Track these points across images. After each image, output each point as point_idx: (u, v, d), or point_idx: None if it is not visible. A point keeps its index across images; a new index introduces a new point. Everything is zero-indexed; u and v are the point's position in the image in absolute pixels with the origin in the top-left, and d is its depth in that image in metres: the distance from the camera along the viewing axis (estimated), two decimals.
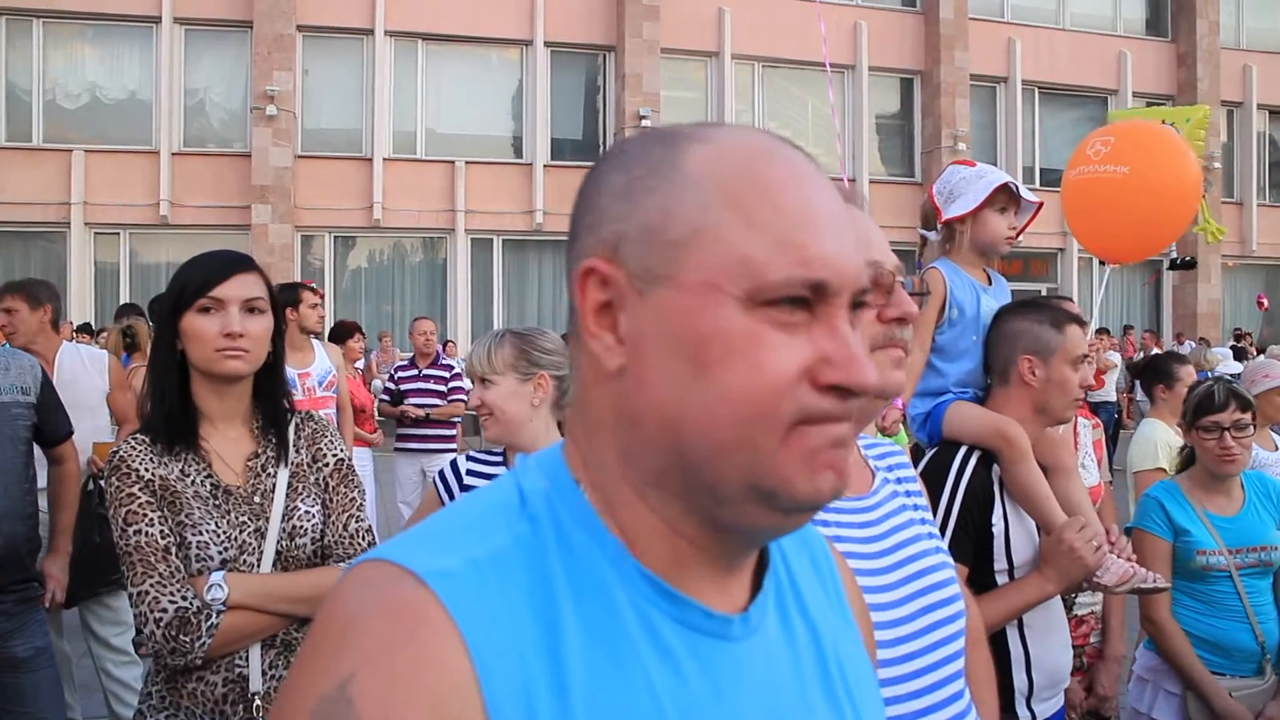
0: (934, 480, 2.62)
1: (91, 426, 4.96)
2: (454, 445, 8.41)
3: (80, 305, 17.66)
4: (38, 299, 5.02)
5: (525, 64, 20.61)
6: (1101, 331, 17.31)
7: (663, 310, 0.83)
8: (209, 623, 2.13)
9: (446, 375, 8.39)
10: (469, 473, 3.03)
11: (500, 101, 20.81)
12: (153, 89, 18.77)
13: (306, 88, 19.50)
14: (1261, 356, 6.88)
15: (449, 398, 8.29)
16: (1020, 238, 3.19)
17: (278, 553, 2.29)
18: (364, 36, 19.60)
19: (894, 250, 1.59)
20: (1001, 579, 2.61)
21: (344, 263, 20.10)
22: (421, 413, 8.19)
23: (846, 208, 0.88)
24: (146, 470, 2.22)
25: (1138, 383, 6.37)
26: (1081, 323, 2.77)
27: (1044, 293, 19.85)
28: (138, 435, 2.29)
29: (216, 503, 2.27)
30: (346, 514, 2.42)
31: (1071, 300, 2.97)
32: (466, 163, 19.96)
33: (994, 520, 2.61)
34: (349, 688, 0.74)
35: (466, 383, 13.71)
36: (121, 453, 2.24)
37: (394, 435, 8.46)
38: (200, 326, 2.30)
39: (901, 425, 3.07)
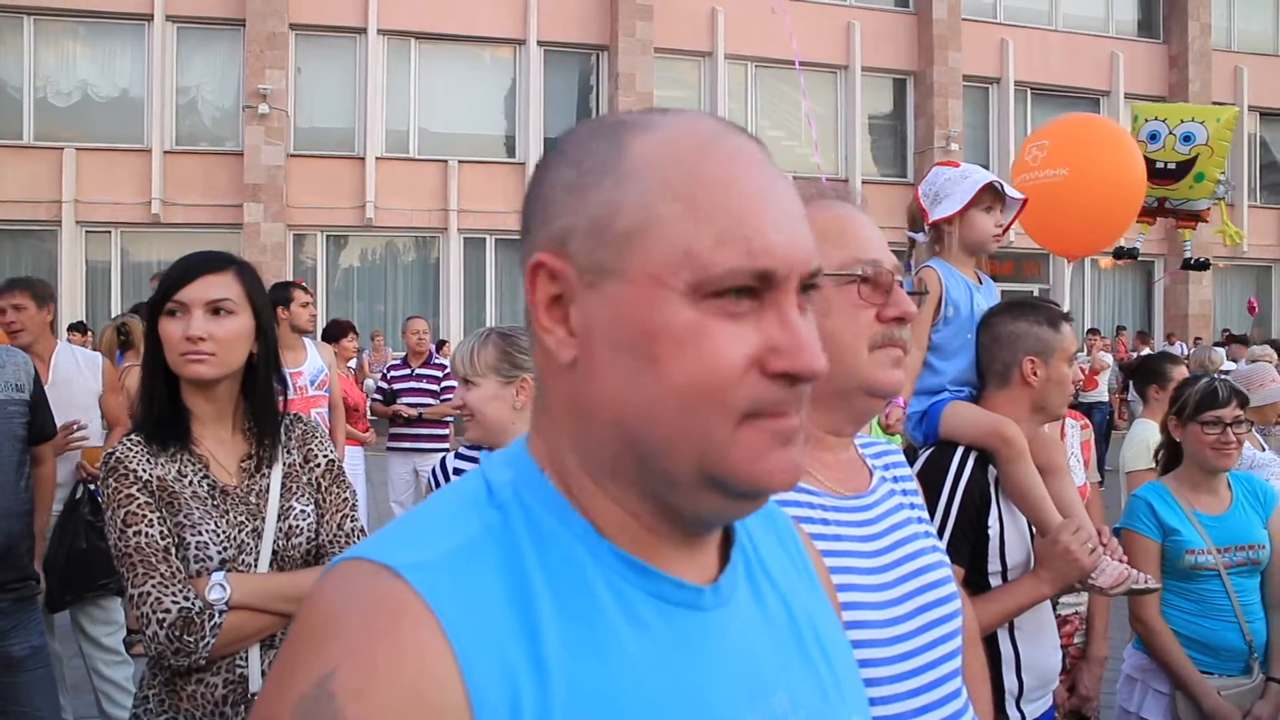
0: (931, 480, 2.63)
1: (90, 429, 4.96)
2: (447, 445, 8.41)
3: (71, 304, 17.60)
4: (43, 298, 5.03)
5: (518, 63, 20.60)
6: (1093, 332, 17.38)
7: (611, 304, 0.84)
8: (212, 623, 2.12)
9: (439, 375, 8.38)
10: (455, 471, 3.03)
11: (493, 101, 20.79)
12: (144, 87, 18.71)
13: (299, 86, 19.47)
14: (1242, 361, 6.90)
15: (441, 397, 8.28)
16: (1009, 236, 3.21)
17: (274, 552, 2.29)
18: (357, 35, 19.56)
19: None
20: (995, 580, 2.62)
21: (336, 262, 20.07)
22: (414, 412, 8.18)
23: (793, 193, 0.89)
24: (144, 471, 2.21)
25: (1130, 383, 6.39)
26: (1070, 320, 2.81)
27: (1035, 293, 19.92)
28: (133, 436, 2.28)
29: (215, 503, 2.26)
30: (340, 514, 2.42)
31: (1057, 303, 2.99)
32: (459, 162, 19.93)
33: (990, 522, 2.62)
34: (330, 682, 0.75)
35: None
36: (118, 454, 2.23)
37: (387, 434, 8.45)
38: (167, 330, 2.28)
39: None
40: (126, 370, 5.99)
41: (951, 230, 3.13)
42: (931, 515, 2.55)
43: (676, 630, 0.86)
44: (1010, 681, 2.60)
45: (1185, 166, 7.34)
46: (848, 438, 1.64)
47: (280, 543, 2.30)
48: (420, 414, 8.19)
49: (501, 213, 19.85)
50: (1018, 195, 3.16)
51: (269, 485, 2.35)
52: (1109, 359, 16.18)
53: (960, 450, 2.70)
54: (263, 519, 2.30)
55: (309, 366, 6.51)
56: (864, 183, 21.50)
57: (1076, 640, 3.71)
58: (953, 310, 3.00)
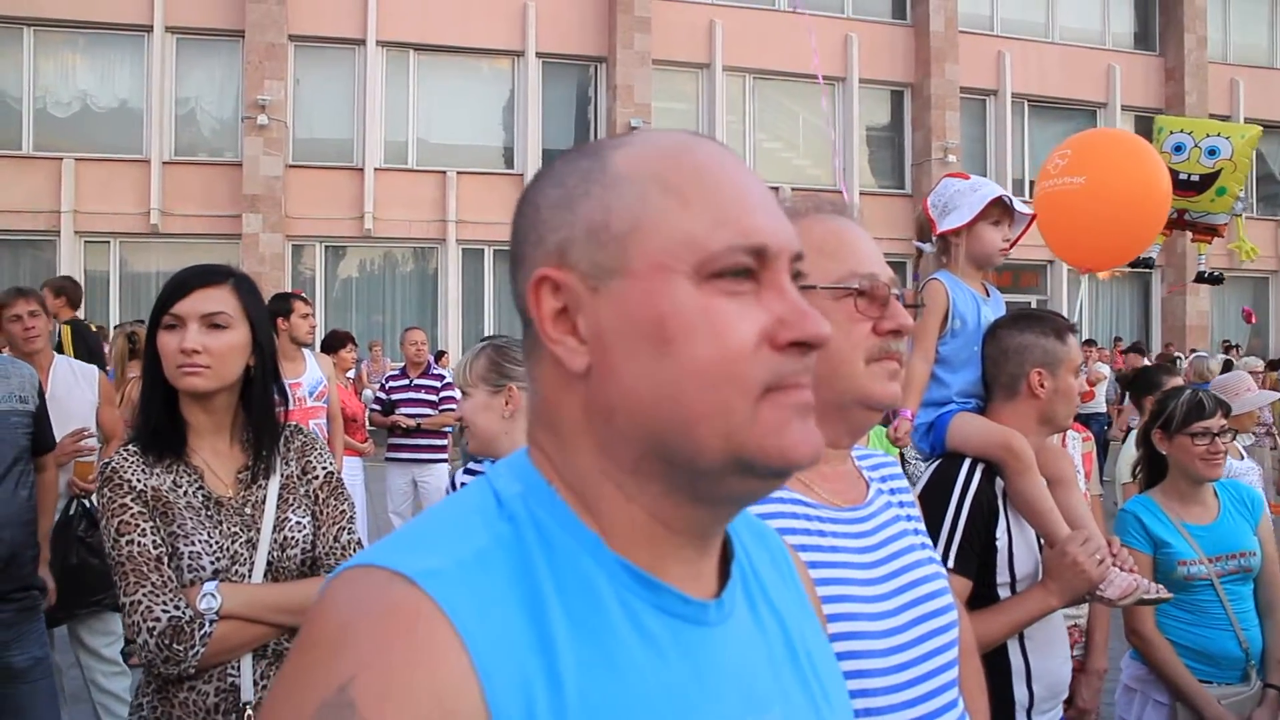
0: (939, 492, 2.64)
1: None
2: (445, 455, 8.41)
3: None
4: (47, 310, 5.06)
5: (517, 75, 20.65)
6: (1089, 343, 17.38)
7: (619, 301, 0.87)
8: (202, 632, 2.14)
9: (438, 385, 8.39)
10: (464, 485, 3.05)
11: (492, 112, 20.83)
12: (143, 97, 18.74)
13: (298, 97, 19.50)
14: (1229, 372, 6.92)
15: (440, 407, 8.28)
16: (1012, 249, 3.22)
17: (269, 563, 2.30)
18: (355, 46, 19.61)
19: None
20: (1004, 592, 2.62)
21: (335, 272, 20.08)
22: (413, 423, 8.19)
23: (766, 188, 0.94)
24: (138, 481, 2.23)
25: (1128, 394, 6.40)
26: (1075, 331, 2.82)
27: (1033, 304, 19.93)
28: (129, 447, 2.30)
29: (209, 513, 2.27)
30: (337, 526, 2.43)
31: (1060, 313, 3.00)
32: (458, 173, 19.96)
33: (998, 533, 2.62)
34: (349, 690, 0.74)
35: (458, 393, 13.73)
36: (114, 464, 2.25)
37: (385, 445, 8.45)
38: (163, 343, 2.30)
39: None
40: (130, 382, 6.00)
41: (959, 242, 3.14)
42: (939, 527, 2.56)
43: (681, 644, 0.87)
44: (1020, 693, 2.60)
45: (1208, 180, 7.34)
46: (844, 450, 1.64)
47: (275, 554, 2.31)
48: (419, 424, 8.19)
49: (500, 224, 19.82)
50: (1026, 210, 3.17)
51: (265, 497, 2.36)
52: (1106, 370, 16.18)
53: (968, 462, 2.70)
54: (258, 530, 2.31)
55: (308, 378, 6.51)
56: (862, 194, 21.54)
57: (1075, 652, 3.70)
58: (960, 323, 3.01)
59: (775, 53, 21.40)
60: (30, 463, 3.91)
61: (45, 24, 18.36)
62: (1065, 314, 3.11)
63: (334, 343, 8.52)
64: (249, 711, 2.20)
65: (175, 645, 2.10)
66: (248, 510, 2.32)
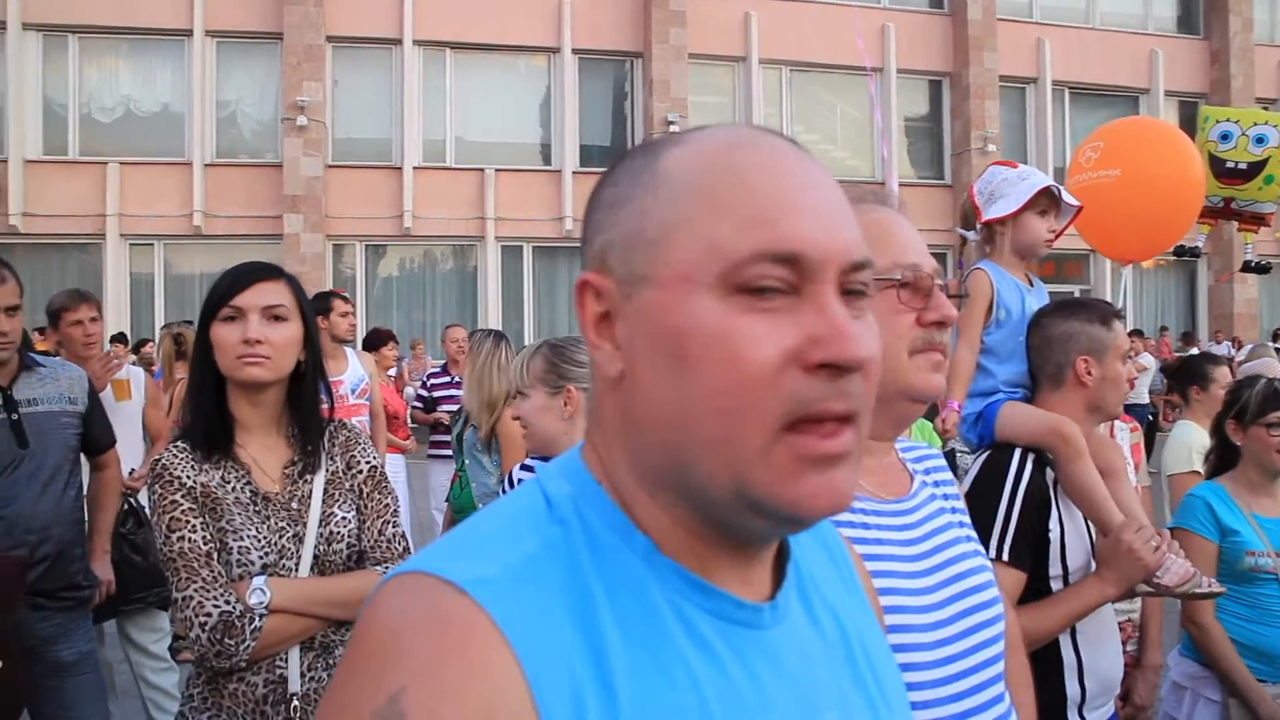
0: (990, 483, 2.60)
1: (129, 442, 5.05)
2: None
3: (116, 316, 17.85)
4: (101, 314, 5.18)
5: (553, 71, 20.69)
6: (1135, 333, 17.14)
7: (645, 311, 0.83)
8: (252, 626, 2.17)
9: None
10: (520, 482, 3.07)
11: (529, 109, 20.89)
12: (185, 101, 18.98)
13: (336, 98, 19.66)
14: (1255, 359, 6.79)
15: None
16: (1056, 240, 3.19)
17: (315, 557, 2.34)
18: (393, 46, 19.72)
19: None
20: (1056, 585, 2.58)
21: (375, 271, 20.22)
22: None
23: (835, 190, 0.87)
24: (188, 478, 2.26)
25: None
26: (1122, 318, 2.77)
27: (1076, 294, 19.69)
28: (178, 443, 2.33)
29: (256, 509, 2.31)
30: (381, 519, 2.46)
31: (1105, 300, 2.96)
32: (496, 170, 20.03)
33: (1050, 525, 2.58)
34: (400, 701, 0.74)
35: None
36: (164, 460, 2.29)
37: (427, 442, 8.50)
38: (223, 335, 2.34)
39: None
40: (179, 384, 6.09)
41: (1004, 232, 3.10)
42: (991, 519, 2.52)
43: (735, 649, 0.85)
44: (1072, 688, 2.55)
45: (1256, 167, 7.24)
46: (888, 442, 1.63)
47: (321, 548, 2.34)
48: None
49: (538, 220, 19.94)
50: (1074, 201, 3.13)
51: (311, 491, 2.39)
52: (1150, 361, 15.96)
53: (1019, 452, 2.65)
54: (304, 525, 2.35)
55: (350, 375, 6.57)
56: (901, 185, 21.40)
57: (1129, 648, 3.64)
58: (1004, 312, 2.97)
59: (812, 45, 21.31)
60: (78, 463, 3.97)
61: (89, 31, 18.62)
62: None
63: (375, 341, 8.57)
64: (295, 702, 2.23)
65: (227, 640, 2.14)
66: (294, 505, 2.36)
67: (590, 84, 21.08)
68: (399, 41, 19.62)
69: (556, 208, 20.06)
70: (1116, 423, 3.95)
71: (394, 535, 2.45)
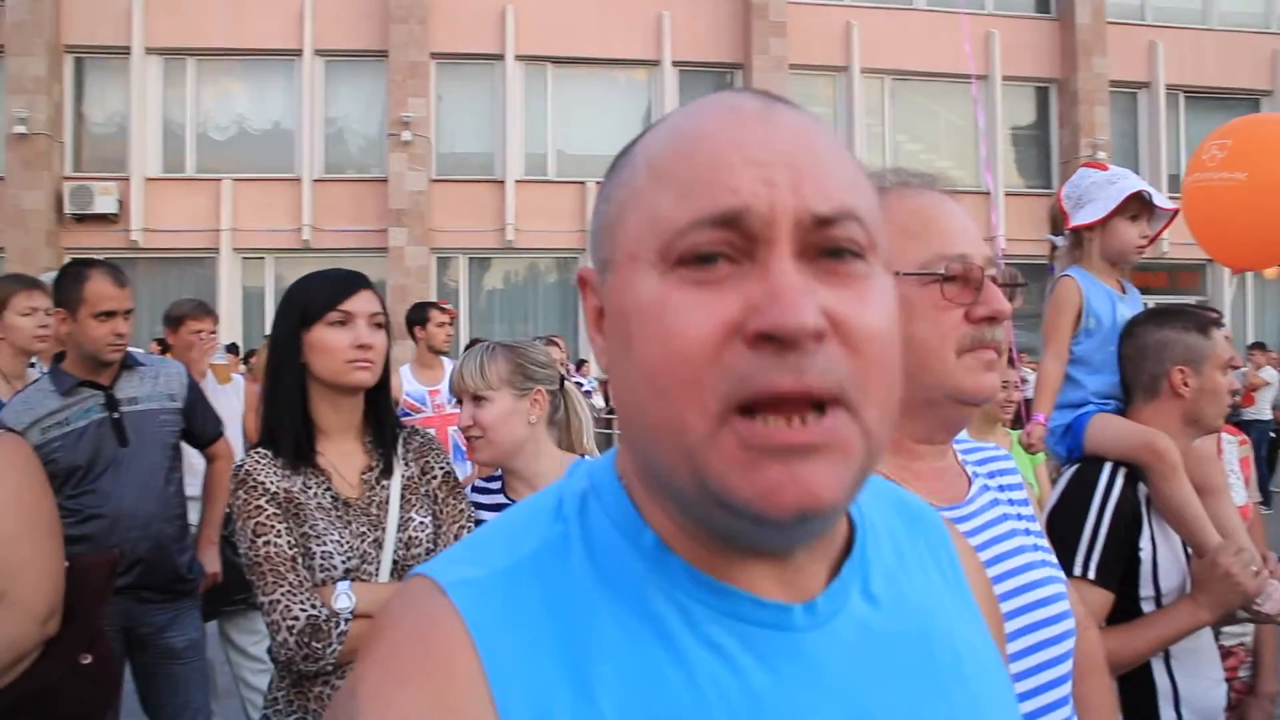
0: (1078, 498, 2.51)
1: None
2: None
3: (229, 327, 18.37)
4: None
5: (653, 84, 20.75)
6: (1257, 346, 16.46)
7: (607, 296, 0.80)
8: (339, 630, 2.20)
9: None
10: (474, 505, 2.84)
11: (629, 122, 20.97)
12: (295, 119, 19.49)
13: (440, 113, 19.98)
14: None
15: None
16: (1161, 245, 3.06)
17: (395, 562, 2.36)
18: (495, 62, 19.99)
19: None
20: (1147, 606, 2.46)
21: (479, 283, 20.49)
22: None
23: (813, 140, 0.76)
24: (272, 483, 2.30)
25: None
26: (1222, 325, 2.65)
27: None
28: (260, 450, 2.37)
29: (338, 514, 2.35)
30: (457, 524, 2.49)
31: (1216, 310, 2.84)
32: (596, 183, 19.99)
33: (1141, 544, 2.47)
34: (357, 688, 0.76)
35: (599, 400, 13.78)
36: (247, 466, 2.33)
37: None
38: (331, 339, 2.38)
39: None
40: None
41: (1093, 237, 2.99)
42: (1078, 535, 2.43)
43: (758, 652, 0.78)
44: (1168, 716, 2.44)
45: None
46: (942, 445, 1.51)
47: (400, 553, 2.37)
48: None
49: None
50: (1168, 205, 3.01)
51: (388, 497, 2.42)
52: (1273, 375, 15.31)
53: (1109, 466, 2.55)
54: (383, 530, 2.38)
55: (446, 385, 6.66)
56: (1007, 194, 20.97)
57: (1242, 674, 3.47)
58: (1094, 321, 2.87)
59: (914, 53, 21.00)
60: (179, 460, 4.10)
61: (206, 53, 19.24)
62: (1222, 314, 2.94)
63: None
64: None
65: (314, 643, 2.17)
66: (373, 510, 2.39)
67: (690, 96, 20.99)
68: (501, 57, 19.87)
69: None
70: (1224, 435, 3.79)
71: None
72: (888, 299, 0.76)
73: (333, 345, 2.38)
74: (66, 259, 18.16)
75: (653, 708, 0.74)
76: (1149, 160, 22.03)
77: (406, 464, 2.52)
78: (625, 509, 0.83)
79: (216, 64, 19.53)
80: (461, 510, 2.53)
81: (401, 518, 2.42)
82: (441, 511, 2.50)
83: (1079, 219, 3.00)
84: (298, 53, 19.29)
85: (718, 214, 0.70)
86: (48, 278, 5.13)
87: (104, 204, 18.11)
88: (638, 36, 20.42)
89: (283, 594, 2.20)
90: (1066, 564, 2.43)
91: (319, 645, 2.18)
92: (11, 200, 17.79)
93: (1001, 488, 1.61)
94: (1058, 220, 3.13)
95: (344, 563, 2.30)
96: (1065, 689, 1.47)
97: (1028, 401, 3.33)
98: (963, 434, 1.64)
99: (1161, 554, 2.50)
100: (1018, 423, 3.02)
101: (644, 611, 0.78)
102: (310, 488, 2.35)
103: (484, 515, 2.73)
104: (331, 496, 2.37)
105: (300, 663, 2.19)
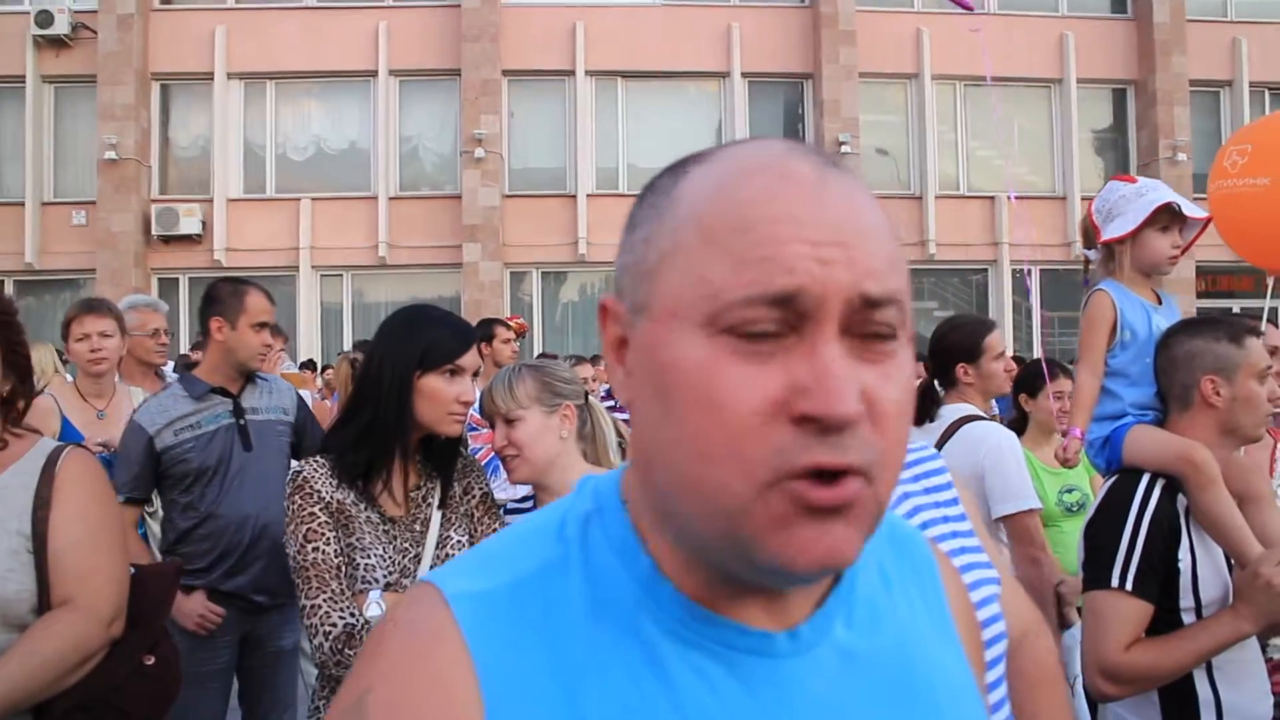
0: (1115, 510, 2.51)
1: None
2: None
3: (308, 343, 18.78)
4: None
5: (724, 96, 20.76)
6: None
7: (642, 341, 0.80)
8: None
9: None
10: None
11: (700, 134, 20.99)
12: (370, 138, 19.85)
13: (512, 129, 20.21)
14: None
15: None
16: (1204, 254, 3.04)
17: None
18: (565, 77, 20.17)
19: None
20: (1188, 618, 2.44)
21: (553, 297, 20.66)
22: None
23: (861, 211, 0.77)
24: (326, 492, 2.40)
25: None
26: (1259, 334, 2.61)
27: (1236, 310, 18.51)
28: (319, 458, 2.47)
29: (384, 529, 2.44)
30: None
31: (1256, 319, 2.81)
32: None
33: (1180, 555, 2.45)
34: (365, 700, 0.78)
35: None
36: (305, 473, 2.42)
37: None
38: (442, 390, 2.49)
39: (1082, 455, 2.91)
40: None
41: (1124, 250, 2.99)
42: (1115, 546, 2.42)
43: (743, 678, 0.81)
44: None
45: None
46: None
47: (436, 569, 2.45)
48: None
49: None
50: (1199, 214, 2.99)
51: (430, 515, 2.51)
52: None
53: (1146, 477, 2.54)
54: (423, 546, 2.47)
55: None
56: (1083, 199, 20.59)
57: None
58: (1129, 334, 2.87)
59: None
60: (288, 468, 4.32)
61: (284, 76, 19.72)
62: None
63: None
64: None
65: (348, 650, 2.26)
66: (416, 527, 2.49)
67: (760, 107, 21.07)
68: (571, 72, 20.04)
69: None
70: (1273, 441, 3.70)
71: None
72: (909, 375, 0.79)
73: (443, 397, 2.48)
74: (154, 279, 18.78)
75: None
76: None
77: (450, 484, 2.64)
78: (625, 534, 0.86)
79: (295, 86, 19.99)
80: (496, 530, 2.60)
81: (441, 536, 2.52)
82: (477, 530, 2.60)
83: (1110, 233, 3.00)
84: (373, 73, 19.66)
85: (773, 294, 0.72)
86: (134, 300, 5.38)
87: (188, 225, 18.63)
88: (707, 48, 20.47)
89: (324, 600, 2.29)
90: (1103, 575, 2.44)
91: (352, 652, 2.27)
92: (102, 223, 18.40)
93: (927, 490, 1.63)
94: (1090, 234, 3.13)
95: (385, 576, 2.41)
96: (1000, 692, 1.47)
97: None
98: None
99: (1201, 565, 2.47)
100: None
101: (635, 635, 0.81)
102: (361, 502, 2.46)
103: None
104: (379, 513, 2.48)
105: (333, 668, 2.29)
